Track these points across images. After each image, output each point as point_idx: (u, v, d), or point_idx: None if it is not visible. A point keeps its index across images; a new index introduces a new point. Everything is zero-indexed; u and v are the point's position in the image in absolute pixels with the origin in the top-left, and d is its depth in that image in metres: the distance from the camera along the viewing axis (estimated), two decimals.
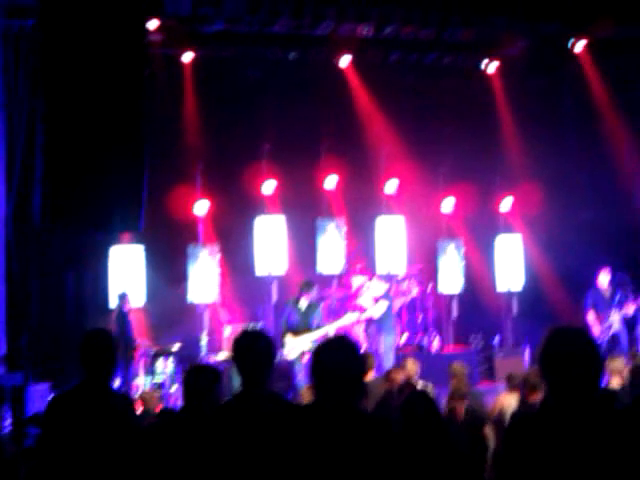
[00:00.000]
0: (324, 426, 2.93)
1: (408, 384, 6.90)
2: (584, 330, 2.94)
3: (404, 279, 11.93)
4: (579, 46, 12.77)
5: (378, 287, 10.46)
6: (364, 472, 2.86)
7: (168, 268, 11.59)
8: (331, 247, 12.31)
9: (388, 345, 10.21)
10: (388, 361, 9.84)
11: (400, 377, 7.17)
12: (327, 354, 3.03)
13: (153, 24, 11.31)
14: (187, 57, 12.23)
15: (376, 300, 10.27)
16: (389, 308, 10.43)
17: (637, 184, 12.82)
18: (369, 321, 10.57)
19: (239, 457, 3.40)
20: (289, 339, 9.50)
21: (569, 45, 12.83)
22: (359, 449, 2.88)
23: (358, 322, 10.64)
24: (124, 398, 4.28)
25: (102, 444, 3.73)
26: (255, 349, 3.61)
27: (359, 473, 2.85)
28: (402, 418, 3.78)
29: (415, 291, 11.79)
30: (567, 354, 2.78)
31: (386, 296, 10.41)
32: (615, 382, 6.94)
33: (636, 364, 7.26)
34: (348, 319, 10.10)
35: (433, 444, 3.67)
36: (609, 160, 12.81)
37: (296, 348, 9.42)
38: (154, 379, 10.12)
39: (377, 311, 10.20)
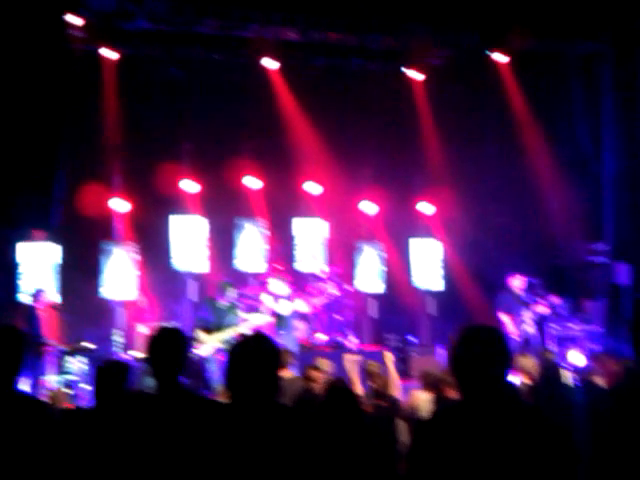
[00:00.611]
0: (245, 422, 2.92)
1: (333, 382, 6.88)
2: (495, 328, 2.97)
3: (323, 279, 11.97)
4: (498, 57, 13.06)
5: (279, 287, 10.38)
6: (286, 465, 2.87)
7: (83, 265, 11.37)
8: (251, 246, 12.31)
9: (289, 344, 10.14)
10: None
11: (317, 375, 7.13)
12: (246, 350, 3.03)
13: (75, 20, 11.17)
14: (109, 54, 12.07)
15: (279, 299, 10.18)
16: (292, 307, 10.37)
17: (550, 192, 13.16)
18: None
19: (155, 455, 3.34)
20: (202, 336, 9.44)
21: (489, 56, 13.11)
22: (281, 442, 2.89)
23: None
24: (35, 402, 3.97)
25: (8, 450, 3.46)
26: (169, 346, 3.55)
27: (281, 466, 2.87)
28: (324, 413, 3.77)
29: (334, 291, 11.82)
30: (476, 351, 2.82)
31: (289, 294, 10.34)
32: (525, 380, 7.08)
33: (548, 363, 7.42)
34: (262, 319, 10.05)
35: (353, 439, 3.68)
36: (525, 168, 13.14)
37: (208, 345, 9.36)
38: (65, 378, 9.88)
39: (284, 309, 10.12)
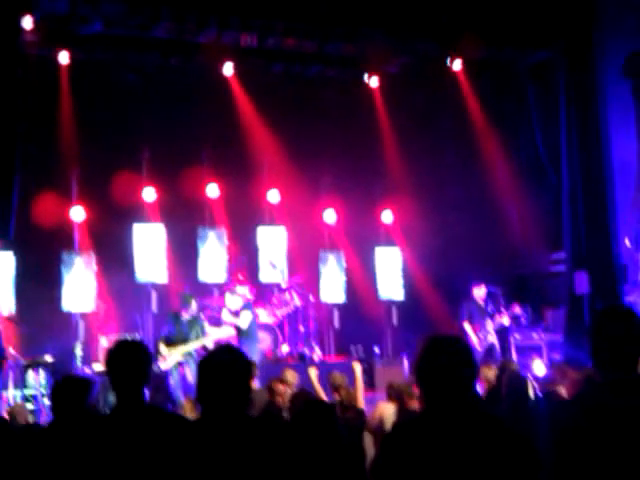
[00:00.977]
0: (217, 435, 2.87)
1: (300, 394, 6.82)
2: (460, 338, 2.96)
3: (285, 289, 11.91)
4: (456, 65, 13.17)
5: (234, 300, 10.26)
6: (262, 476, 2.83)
7: (41, 276, 11.11)
8: (212, 256, 12.18)
9: (252, 356, 9.99)
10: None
11: (282, 388, 7.09)
12: (217, 362, 2.99)
13: (28, 23, 10.86)
14: (63, 58, 11.79)
15: (236, 313, 10.04)
16: (252, 318, 10.21)
17: (509, 200, 13.32)
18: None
19: (117, 474, 3.23)
20: (163, 349, 9.32)
21: (446, 64, 13.21)
22: (256, 455, 2.84)
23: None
24: None
25: None
26: (129, 360, 3.44)
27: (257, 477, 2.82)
28: (296, 426, 3.72)
29: (296, 301, 11.77)
30: (441, 361, 2.80)
31: (247, 306, 10.20)
32: (487, 390, 7.14)
33: (511, 373, 7.48)
34: (225, 332, 9.94)
35: (327, 453, 3.64)
36: (484, 176, 13.28)
37: (170, 359, 9.23)
38: (25, 392, 9.64)
39: (243, 322, 9.96)
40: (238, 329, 9.93)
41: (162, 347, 9.38)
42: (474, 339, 10.59)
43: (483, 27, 12.04)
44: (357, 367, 7.93)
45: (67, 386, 4.12)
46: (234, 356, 3.01)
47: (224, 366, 2.95)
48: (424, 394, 2.84)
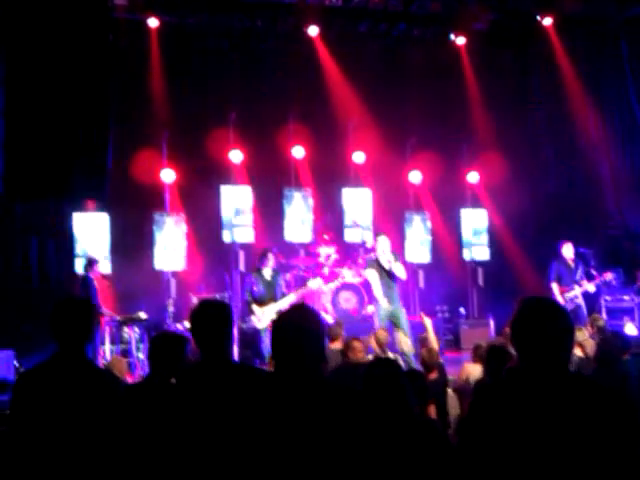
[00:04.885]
0: (283, 394, 2.91)
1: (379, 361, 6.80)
2: (555, 300, 2.97)
3: (371, 249, 11.93)
4: (546, 21, 12.80)
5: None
6: (325, 439, 2.83)
7: (134, 235, 11.47)
8: (298, 216, 12.30)
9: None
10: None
11: (359, 345, 7.04)
12: (285, 322, 3.01)
13: None
14: (153, 22, 11.99)
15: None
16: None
17: (600, 159, 12.96)
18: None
19: (198, 426, 3.36)
20: (256, 309, 9.41)
21: (536, 20, 12.85)
22: (318, 416, 2.86)
23: (322, 289, 10.63)
24: (104, 371, 4.05)
25: (82, 420, 3.49)
26: (211, 318, 3.54)
27: (320, 440, 2.83)
28: (363, 382, 3.73)
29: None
30: (540, 323, 2.78)
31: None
32: (577, 353, 7.04)
33: (604, 334, 7.36)
34: (312, 285, 9.95)
35: (395, 411, 3.63)
36: (574, 135, 12.95)
37: (264, 318, 9.33)
38: (120, 347, 10.01)
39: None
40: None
41: (255, 307, 9.42)
42: (560, 300, 10.39)
43: None
44: (428, 321, 7.92)
45: (164, 341, 4.28)
46: (305, 316, 3.01)
47: (293, 326, 2.96)
48: (521, 356, 2.84)
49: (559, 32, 12.95)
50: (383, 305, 8.96)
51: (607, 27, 13.05)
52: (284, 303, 9.31)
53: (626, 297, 11.35)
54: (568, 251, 10.61)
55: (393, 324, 8.92)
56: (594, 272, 10.57)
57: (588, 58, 13.19)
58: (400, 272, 9.11)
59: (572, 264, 10.56)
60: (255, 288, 9.51)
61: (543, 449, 2.68)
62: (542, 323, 2.79)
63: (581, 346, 7.16)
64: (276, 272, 9.69)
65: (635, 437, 2.67)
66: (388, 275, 9.07)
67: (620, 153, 12.80)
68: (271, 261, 9.55)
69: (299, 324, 2.96)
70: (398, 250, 12.39)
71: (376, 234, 10.02)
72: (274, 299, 9.43)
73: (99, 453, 3.49)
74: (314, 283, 9.87)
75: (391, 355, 7.52)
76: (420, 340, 8.35)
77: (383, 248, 9.12)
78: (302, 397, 2.88)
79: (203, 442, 3.33)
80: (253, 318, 9.38)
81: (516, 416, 2.72)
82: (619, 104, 12.99)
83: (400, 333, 8.84)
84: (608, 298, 11.27)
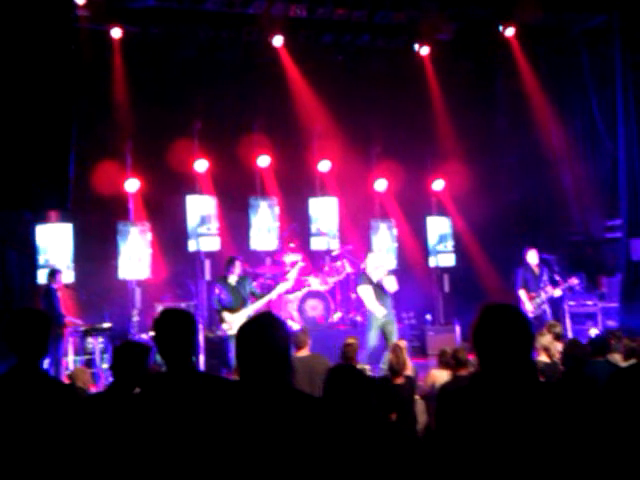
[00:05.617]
0: (248, 403, 2.89)
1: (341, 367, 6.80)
2: (516, 306, 3.00)
3: (337, 257, 11.96)
4: (508, 32, 12.95)
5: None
6: (289, 448, 2.81)
7: (98, 245, 11.37)
8: (264, 225, 12.31)
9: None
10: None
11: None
12: (250, 330, 2.98)
13: None
14: (116, 33, 11.93)
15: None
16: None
17: (563, 167, 13.12)
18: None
19: (161, 436, 3.31)
20: (227, 316, 9.39)
21: (498, 30, 12.99)
22: (282, 425, 2.84)
23: (289, 292, 10.67)
24: (61, 384, 3.98)
25: (36, 432, 3.45)
26: (174, 327, 3.50)
27: (284, 448, 2.81)
28: (325, 390, 3.72)
29: (348, 269, 11.80)
30: (500, 329, 2.82)
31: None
32: (542, 358, 7.08)
33: (570, 340, 7.41)
34: (284, 287, 10.04)
35: (358, 415, 3.62)
36: (537, 143, 13.09)
37: (235, 324, 9.30)
38: (84, 357, 9.91)
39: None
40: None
41: (226, 315, 9.43)
42: (529, 307, 10.49)
43: None
44: (402, 344, 7.90)
45: (127, 350, 4.26)
46: (270, 323, 2.99)
47: (258, 334, 2.94)
48: (481, 361, 2.87)
49: (521, 42, 13.09)
50: (377, 313, 9.43)
51: (567, 38, 13.24)
52: (254, 308, 9.34)
53: (589, 302, 11.49)
54: (533, 257, 10.73)
55: (383, 333, 9.41)
56: (558, 278, 10.68)
57: (550, 68, 13.36)
58: (391, 285, 9.63)
59: (537, 270, 10.67)
60: (223, 296, 9.51)
61: (503, 452, 2.70)
62: (501, 329, 2.82)
63: (547, 350, 7.20)
64: (243, 278, 9.71)
65: (594, 439, 2.70)
66: (380, 288, 9.57)
67: (582, 161, 12.96)
68: (237, 269, 9.60)
69: (264, 332, 2.94)
70: (364, 257, 12.48)
71: (367, 252, 10.57)
72: (244, 305, 9.44)
73: (57, 466, 3.44)
74: (283, 287, 9.98)
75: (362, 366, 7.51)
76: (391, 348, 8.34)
77: (375, 265, 9.69)
78: (266, 406, 2.86)
79: (167, 452, 3.28)
80: (224, 326, 9.37)
81: (476, 422, 2.75)
82: (581, 113, 13.16)
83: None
84: (572, 303, 11.39)
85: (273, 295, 9.84)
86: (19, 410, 3.44)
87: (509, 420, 2.72)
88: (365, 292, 9.57)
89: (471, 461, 2.74)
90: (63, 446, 3.47)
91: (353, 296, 11.92)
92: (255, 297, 9.64)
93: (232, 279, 9.54)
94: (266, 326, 2.98)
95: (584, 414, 2.76)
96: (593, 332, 9.80)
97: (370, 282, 9.57)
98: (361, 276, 9.82)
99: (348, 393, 3.56)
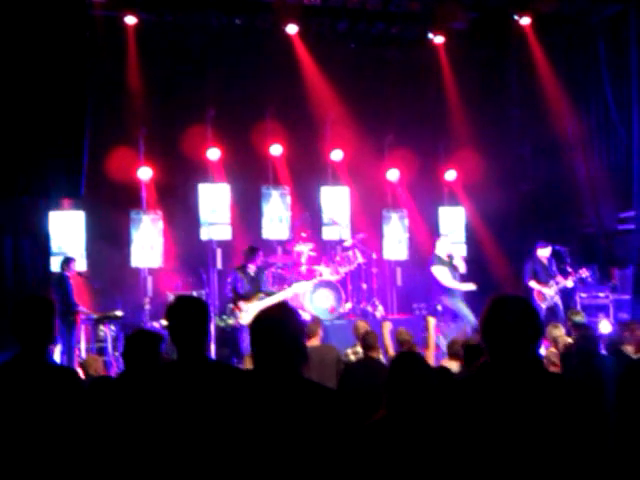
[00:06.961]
0: (261, 392, 2.91)
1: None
2: (525, 298, 3.00)
3: (349, 247, 11.96)
4: (524, 21, 12.85)
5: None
6: (301, 438, 2.83)
7: (110, 233, 11.42)
8: (275, 214, 12.33)
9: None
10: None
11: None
12: (264, 321, 3.00)
13: None
14: (130, 20, 11.92)
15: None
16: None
17: (577, 158, 13.03)
18: None
19: (172, 424, 3.35)
20: (243, 305, 9.45)
21: (514, 19, 12.89)
22: (295, 416, 2.85)
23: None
24: (65, 371, 3.86)
25: (41, 421, 3.43)
26: (187, 315, 3.52)
27: (296, 439, 2.83)
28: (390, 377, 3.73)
29: (359, 259, 11.79)
30: (508, 320, 2.84)
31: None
32: (555, 349, 7.08)
33: (582, 330, 7.40)
34: (298, 289, 10.12)
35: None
36: (551, 133, 13.00)
37: (250, 314, 9.33)
38: (96, 345, 9.97)
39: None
40: None
41: (242, 304, 9.48)
42: (538, 297, 10.47)
43: None
44: (387, 325, 7.86)
45: (139, 339, 4.28)
46: (283, 314, 3.01)
47: (272, 324, 2.96)
48: (490, 352, 2.89)
49: (537, 31, 12.97)
50: (463, 287, 10.27)
51: (584, 26, 13.11)
52: (271, 301, 9.35)
53: (601, 294, 11.44)
54: (544, 252, 10.78)
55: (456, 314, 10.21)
56: (569, 269, 10.67)
57: (566, 57, 13.25)
58: (462, 267, 10.33)
59: (546, 262, 10.67)
60: (239, 284, 9.57)
61: (510, 441, 2.71)
62: (510, 320, 2.84)
63: (555, 342, 7.21)
64: (260, 269, 9.78)
65: (598, 430, 2.71)
66: (453, 269, 10.25)
67: (596, 152, 12.87)
68: (260, 259, 9.71)
69: (278, 322, 2.96)
70: (376, 247, 12.50)
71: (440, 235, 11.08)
72: (259, 295, 9.51)
73: (64, 454, 3.44)
74: (301, 287, 10.03)
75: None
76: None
77: (446, 247, 10.38)
78: (279, 395, 2.87)
79: (178, 440, 3.30)
80: (241, 314, 9.42)
81: (483, 411, 2.77)
82: (596, 103, 13.04)
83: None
84: (583, 295, 11.35)
85: (289, 294, 9.88)
86: (20, 399, 3.43)
87: (515, 410, 2.74)
88: (441, 272, 10.14)
89: (477, 451, 2.76)
90: (67, 434, 3.47)
91: (364, 286, 11.94)
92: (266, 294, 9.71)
93: (251, 269, 9.63)
94: (281, 316, 2.99)
95: (590, 406, 2.76)
96: (604, 324, 9.75)
97: (443, 263, 10.12)
98: (435, 257, 10.28)
99: (415, 380, 3.58)
